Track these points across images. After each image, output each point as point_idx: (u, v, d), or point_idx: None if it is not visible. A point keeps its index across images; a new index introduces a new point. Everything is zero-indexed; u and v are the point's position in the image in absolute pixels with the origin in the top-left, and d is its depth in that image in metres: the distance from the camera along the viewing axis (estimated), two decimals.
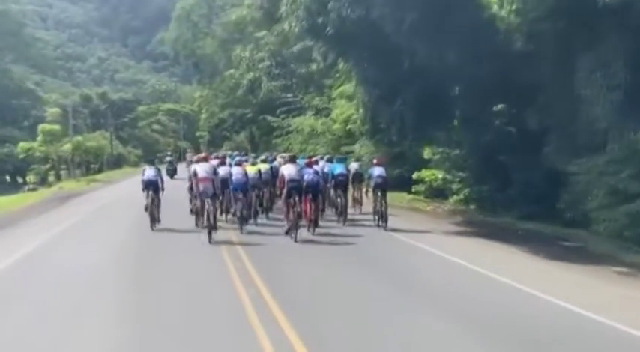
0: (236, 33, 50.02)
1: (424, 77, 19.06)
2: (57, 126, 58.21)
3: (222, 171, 17.30)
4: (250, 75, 44.93)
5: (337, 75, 27.93)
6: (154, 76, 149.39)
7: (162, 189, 17.65)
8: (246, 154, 28.06)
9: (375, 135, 24.38)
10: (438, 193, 25.85)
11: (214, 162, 18.08)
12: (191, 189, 17.39)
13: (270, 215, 19.16)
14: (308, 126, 37.63)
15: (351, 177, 19.58)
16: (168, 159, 48.01)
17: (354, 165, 21.09)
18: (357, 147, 30.63)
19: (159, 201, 17.54)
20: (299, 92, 41.94)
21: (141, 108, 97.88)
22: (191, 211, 18.44)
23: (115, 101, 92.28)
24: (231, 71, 48.48)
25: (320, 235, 15.88)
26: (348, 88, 30.77)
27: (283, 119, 42.98)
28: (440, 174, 25.31)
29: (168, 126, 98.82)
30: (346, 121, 33.78)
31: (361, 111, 23.92)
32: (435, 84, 19.43)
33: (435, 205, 24.53)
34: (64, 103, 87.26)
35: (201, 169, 15.78)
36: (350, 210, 18.98)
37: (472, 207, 22.94)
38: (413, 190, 27.15)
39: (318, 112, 39.00)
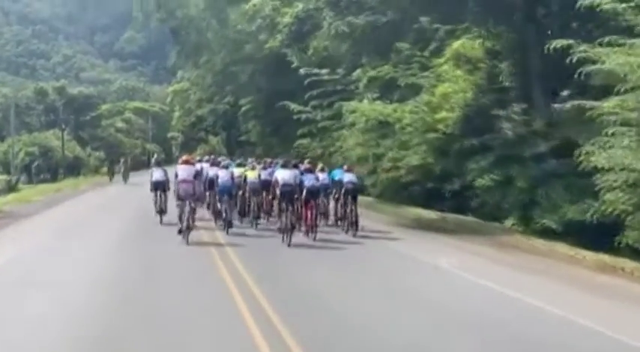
0: None
1: None
2: None
3: (211, 172, 17.68)
4: (299, 7, 25.25)
5: None
6: (121, 75, 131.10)
7: (169, 189, 17.61)
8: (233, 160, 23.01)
9: None
10: None
11: (199, 165, 18.34)
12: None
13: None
14: (378, 114, 19.73)
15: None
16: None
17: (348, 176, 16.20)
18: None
19: (166, 198, 17.76)
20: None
21: (105, 106, 78.86)
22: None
23: (75, 96, 73.54)
24: (253, 3, 28.13)
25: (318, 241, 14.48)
26: None
27: (315, 108, 25.17)
28: None
29: (135, 124, 79.14)
30: (467, 106, 16.45)
31: None
32: None
33: None
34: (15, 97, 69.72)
35: (182, 172, 14.98)
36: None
37: None
38: None
39: (389, 91, 21.25)
